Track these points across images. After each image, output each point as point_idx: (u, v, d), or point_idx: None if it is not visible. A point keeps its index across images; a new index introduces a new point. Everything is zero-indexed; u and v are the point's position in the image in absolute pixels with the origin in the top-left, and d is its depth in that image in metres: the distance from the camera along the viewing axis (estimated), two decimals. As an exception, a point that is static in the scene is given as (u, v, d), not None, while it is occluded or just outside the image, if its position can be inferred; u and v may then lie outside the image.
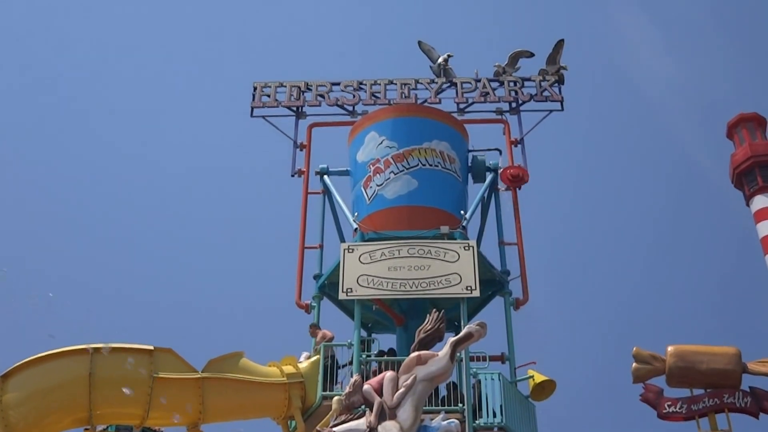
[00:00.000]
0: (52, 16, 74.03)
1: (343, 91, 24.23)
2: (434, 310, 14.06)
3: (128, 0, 77.48)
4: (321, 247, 22.01)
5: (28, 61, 68.19)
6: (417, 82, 24.32)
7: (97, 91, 71.72)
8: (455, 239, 19.97)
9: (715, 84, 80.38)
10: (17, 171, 62.17)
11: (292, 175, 23.40)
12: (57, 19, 74.76)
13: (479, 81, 24.34)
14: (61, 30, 73.78)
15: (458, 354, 14.23)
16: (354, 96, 24.08)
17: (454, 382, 18.30)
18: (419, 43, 25.60)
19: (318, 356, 18.37)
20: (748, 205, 45.15)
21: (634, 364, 18.06)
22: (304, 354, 19.47)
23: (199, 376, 17.09)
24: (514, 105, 24.11)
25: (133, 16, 78.78)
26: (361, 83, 24.26)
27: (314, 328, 19.93)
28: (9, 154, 61.46)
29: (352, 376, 15.85)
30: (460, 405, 17.71)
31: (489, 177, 22.69)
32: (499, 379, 18.33)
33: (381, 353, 19.73)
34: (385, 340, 21.39)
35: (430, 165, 21.48)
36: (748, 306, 62.70)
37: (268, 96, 24.15)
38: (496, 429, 17.83)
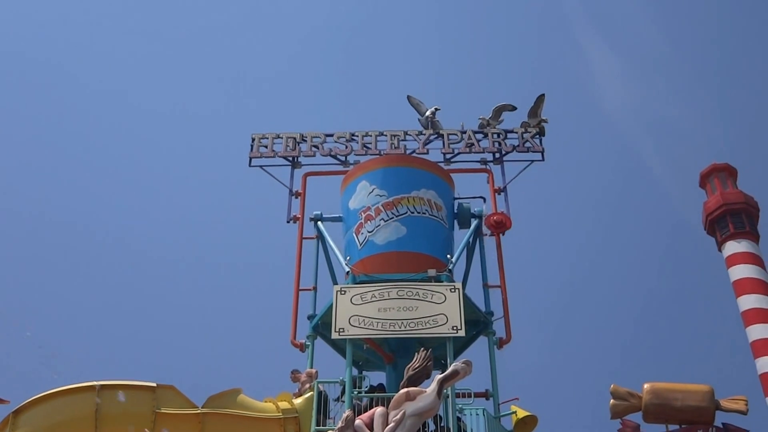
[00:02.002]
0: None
1: (336, 142, 24.48)
2: (422, 348, 14.24)
3: (131, 53, 78.04)
4: (315, 289, 22.16)
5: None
6: (406, 133, 24.57)
7: (97, 135, 72.00)
8: (442, 282, 20.13)
9: (693, 128, 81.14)
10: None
11: (288, 222, 23.61)
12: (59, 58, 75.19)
13: (465, 133, 24.62)
14: (62, 82, 74.16)
15: (445, 390, 14.40)
16: (346, 147, 24.32)
17: (440, 415, 18.37)
18: (408, 97, 25.90)
19: (312, 392, 18.45)
20: (720, 250, 45.39)
21: (611, 401, 18.17)
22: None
23: (199, 411, 17.15)
24: (497, 155, 24.36)
25: (136, 68, 79.24)
26: (353, 135, 24.51)
27: (295, 373, 19.89)
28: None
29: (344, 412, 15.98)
30: (447, 440, 17.79)
31: (474, 223, 22.87)
32: (484, 415, 18.43)
33: (371, 389, 19.82)
34: (375, 378, 21.50)
35: (418, 213, 21.69)
36: (721, 346, 62.84)
37: (266, 147, 24.37)
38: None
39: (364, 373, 21.64)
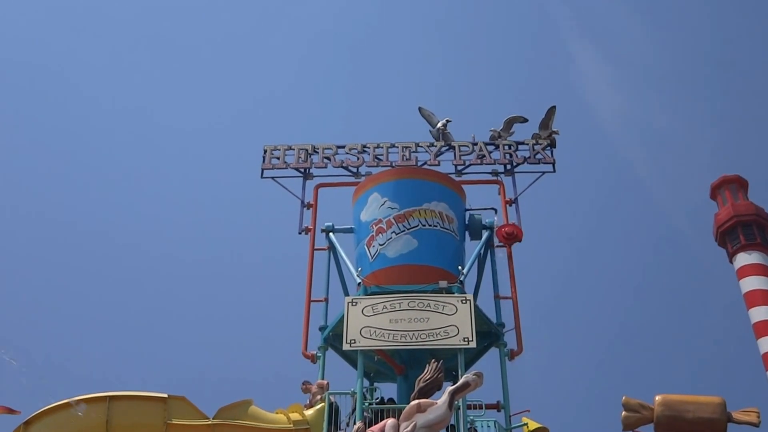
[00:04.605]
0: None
1: (347, 153, 24.37)
2: (433, 360, 14.07)
3: (142, 66, 78.29)
4: (326, 300, 22.01)
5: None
6: (417, 145, 24.46)
7: (105, 150, 72.19)
8: (453, 293, 20.00)
9: (698, 139, 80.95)
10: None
11: (300, 233, 23.49)
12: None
13: (476, 144, 24.49)
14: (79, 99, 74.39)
15: (456, 402, 14.23)
16: (358, 158, 24.21)
17: (453, 426, 18.19)
18: (420, 109, 25.80)
19: (323, 404, 18.32)
20: (731, 261, 45.25)
21: (623, 413, 17.93)
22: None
23: (210, 422, 17.00)
24: (508, 167, 24.23)
25: (148, 82, 79.46)
26: (365, 146, 24.41)
27: (306, 384, 19.75)
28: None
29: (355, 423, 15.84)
30: (459, 451, 17.61)
31: (485, 235, 22.74)
32: (495, 427, 18.28)
33: (382, 401, 19.67)
34: (387, 389, 21.36)
35: (430, 225, 21.57)
36: (733, 357, 62.56)
37: (278, 158, 24.27)
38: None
39: (375, 384, 21.51)
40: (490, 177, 24.36)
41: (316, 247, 23.07)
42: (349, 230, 22.94)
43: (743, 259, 44.08)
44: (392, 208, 21.80)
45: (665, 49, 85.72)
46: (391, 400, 19.99)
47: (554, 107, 24.92)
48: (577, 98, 79.81)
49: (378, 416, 17.71)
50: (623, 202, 79.33)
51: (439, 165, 24.03)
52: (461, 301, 19.42)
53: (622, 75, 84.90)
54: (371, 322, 19.11)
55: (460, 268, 21.02)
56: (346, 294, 22.16)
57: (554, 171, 24.12)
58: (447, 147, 24.56)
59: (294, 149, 24.46)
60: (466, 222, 22.89)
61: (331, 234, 23.07)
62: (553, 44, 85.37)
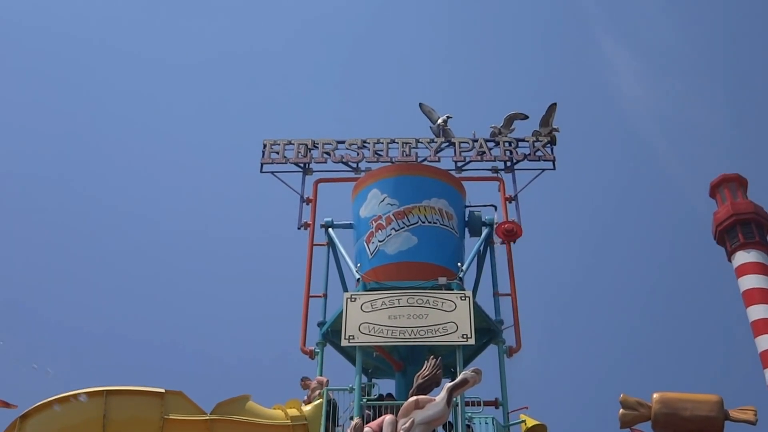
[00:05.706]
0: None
1: (347, 149, 24.31)
2: (431, 356, 14.03)
3: (144, 59, 78.22)
4: (325, 296, 21.96)
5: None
6: (417, 141, 24.40)
7: (102, 147, 72.18)
8: (452, 290, 19.92)
9: (706, 135, 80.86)
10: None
11: (299, 228, 23.42)
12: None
13: (476, 141, 24.44)
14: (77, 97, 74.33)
15: (454, 399, 14.17)
16: (358, 154, 24.14)
17: (451, 422, 18.15)
18: (420, 105, 25.76)
19: (321, 400, 18.27)
20: (729, 260, 45.26)
21: (621, 410, 17.88)
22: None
23: (207, 417, 16.95)
24: (508, 164, 24.17)
25: (146, 74, 79.37)
26: (365, 142, 24.34)
27: (305, 380, 19.71)
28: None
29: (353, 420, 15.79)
30: (456, 448, 17.57)
31: (485, 231, 22.68)
32: (493, 424, 18.21)
33: (380, 397, 19.63)
34: (385, 385, 21.30)
35: (429, 222, 21.50)
36: (731, 355, 62.59)
37: (277, 153, 24.22)
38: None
39: (374, 380, 21.47)
40: (490, 174, 24.30)
41: (315, 243, 23.02)
42: (349, 226, 22.88)
43: (742, 257, 44.09)
44: (392, 205, 21.73)
45: (688, 36, 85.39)
46: (389, 396, 19.95)
47: (555, 104, 24.86)
48: (589, 84, 79.76)
49: (377, 412, 17.68)
50: (627, 196, 79.20)
51: (439, 161, 23.98)
52: (460, 297, 19.34)
53: (645, 62, 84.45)
54: (370, 318, 19.04)
55: (459, 264, 20.95)
56: (345, 290, 22.10)
57: (554, 168, 24.06)
58: (447, 143, 24.52)
59: (294, 144, 24.40)
60: (466, 219, 22.82)
61: (330, 229, 23.00)
62: (573, 33, 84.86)
